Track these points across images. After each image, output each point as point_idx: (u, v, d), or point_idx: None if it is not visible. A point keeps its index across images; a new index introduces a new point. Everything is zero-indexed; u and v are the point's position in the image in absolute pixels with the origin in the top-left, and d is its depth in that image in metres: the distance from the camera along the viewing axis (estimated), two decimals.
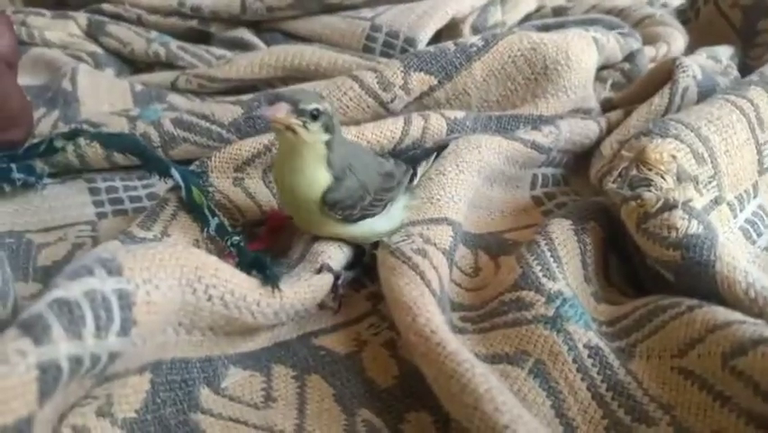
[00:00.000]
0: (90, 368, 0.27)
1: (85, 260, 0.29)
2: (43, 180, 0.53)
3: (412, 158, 0.51)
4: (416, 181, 0.48)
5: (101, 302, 0.27)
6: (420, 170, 0.49)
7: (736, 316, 0.34)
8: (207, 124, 0.56)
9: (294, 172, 0.41)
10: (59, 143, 0.53)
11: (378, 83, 0.56)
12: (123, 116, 0.58)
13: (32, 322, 0.25)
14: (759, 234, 0.47)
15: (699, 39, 0.81)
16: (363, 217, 0.43)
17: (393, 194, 0.45)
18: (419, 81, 0.57)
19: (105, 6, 0.86)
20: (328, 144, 0.41)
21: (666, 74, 0.59)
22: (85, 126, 0.56)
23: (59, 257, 0.47)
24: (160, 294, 0.30)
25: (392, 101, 0.56)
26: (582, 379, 0.36)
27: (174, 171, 0.45)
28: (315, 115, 0.39)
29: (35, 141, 0.54)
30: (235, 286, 0.34)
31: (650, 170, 0.43)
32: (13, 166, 0.52)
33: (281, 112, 0.39)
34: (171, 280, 0.31)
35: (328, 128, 0.40)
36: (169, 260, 0.31)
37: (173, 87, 0.72)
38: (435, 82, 0.57)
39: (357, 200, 0.42)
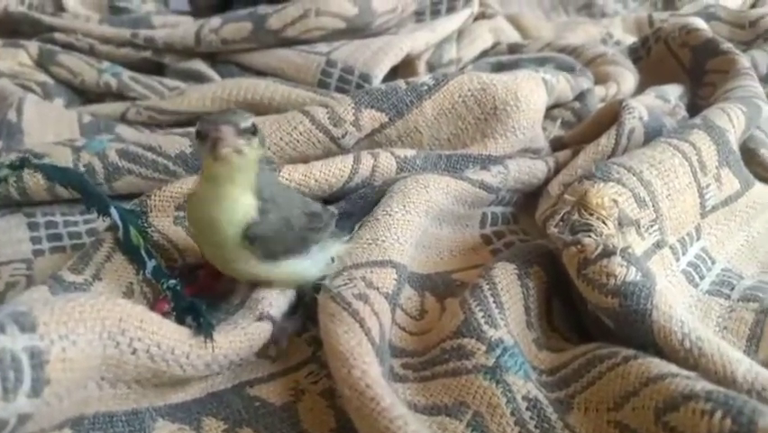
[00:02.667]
0: None
1: None
2: None
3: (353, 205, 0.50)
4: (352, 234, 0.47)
5: (10, 363, 0.26)
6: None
7: (670, 368, 0.34)
8: (153, 156, 0.55)
9: (218, 201, 0.39)
10: (2, 173, 0.51)
11: (329, 118, 0.56)
12: (68, 146, 0.57)
13: None
14: (702, 277, 0.48)
15: (651, 77, 0.83)
16: (286, 256, 0.41)
17: (319, 236, 0.43)
18: (370, 118, 0.57)
19: (58, 35, 0.84)
20: (262, 162, 0.40)
21: (614, 115, 0.60)
22: (28, 156, 0.54)
23: None
24: (78, 350, 0.29)
25: (343, 137, 0.56)
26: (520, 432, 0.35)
27: (113, 210, 0.44)
28: (253, 132, 0.38)
29: None
30: (162, 338, 0.33)
31: (591, 214, 0.43)
32: None
33: (230, 137, 0.37)
34: (91, 334, 0.30)
35: (262, 142, 0.40)
36: (90, 312, 0.30)
37: (123, 119, 0.71)
38: (386, 119, 0.57)
39: (281, 237, 0.40)
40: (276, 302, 0.41)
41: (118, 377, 0.32)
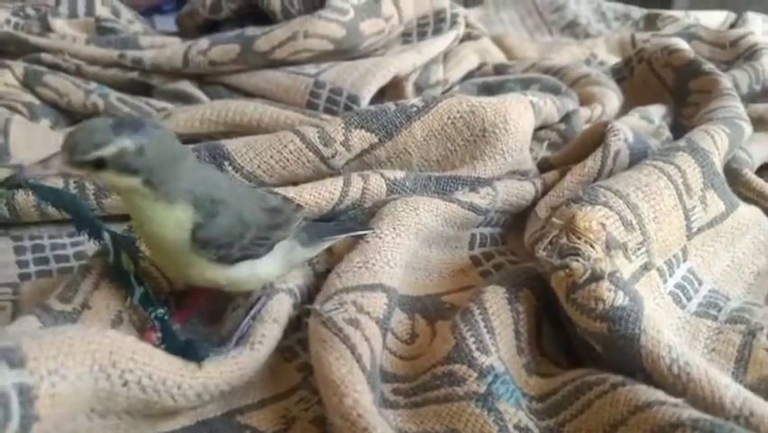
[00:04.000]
0: None
1: None
2: None
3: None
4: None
5: None
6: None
7: (658, 395, 0.34)
8: None
9: (141, 217, 0.37)
10: None
11: (319, 138, 0.56)
12: None
13: None
14: (689, 299, 0.48)
15: (634, 97, 0.85)
16: (243, 258, 0.39)
17: (283, 233, 0.42)
18: (360, 138, 0.57)
19: (44, 56, 0.84)
20: (148, 184, 0.35)
21: (599, 136, 0.61)
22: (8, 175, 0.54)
23: None
24: (68, 384, 0.28)
25: (333, 156, 0.56)
26: None
27: (105, 234, 0.43)
28: (98, 165, 0.34)
29: None
30: (154, 369, 0.32)
31: (579, 238, 0.43)
32: None
33: (53, 168, 0.34)
34: (81, 367, 0.29)
35: (134, 171, 0.35)
36: (80, 345, 0.30)
37: None
38: (376, 140, 0.57)
39: (235, 238, 0.38)
40: (269, 332, 0.41)
41: (108, 409, 0.32)
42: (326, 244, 0.48)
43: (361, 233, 0.49)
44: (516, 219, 0.59)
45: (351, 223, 0.53)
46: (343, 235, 0.49)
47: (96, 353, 0.30)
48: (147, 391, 0.32)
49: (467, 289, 0.51)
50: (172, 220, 0.36)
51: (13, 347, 0.27)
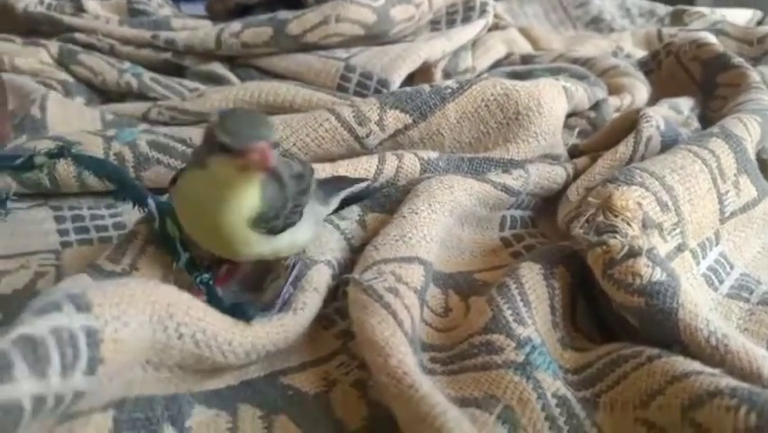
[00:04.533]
0: (53, 408, 0.26)
1: (53, 295, 0.28)
2: (7, 206, 0.52)
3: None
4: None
5: (68, 340, 0.27)
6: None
7: (695, 366, 0.35)
8: (183, 148, 0.56)
9: (225, 200, 0.38)
10: (40, 160, 0.52)
11: (354, 117, 0.57)
12: (99, 136, 0.58)
13: None
14: (721, 282, 0.49)
15: (662, 90, 0.85)
16: (286, 228, 0.40)
17: (307, 197, 0.43)
18: (394, 118, 0.58)
19: (78, 36, 0.85)
20: None
21: (630, 123, 0.61)
22: (66, 145, 0.55)
23: (19, 286, 0.46)
24: (129, 331, 0.29)
25: (367, 136, 0.57)
26: (550, 428, 0.36)
27: (150, 201, 0.44)
28: (277, 145, 0.37)
29: (9, 153, 0.53)
30: (207, 325, 0.33)
31: (616, 216, 0.44)
32: None
33: (273, 156, 0.35)
34: (142, 316, 0.30)
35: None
36: (141, 296, 0.31)
37: (145, 119, 0.72)
38: (410, 121, 0.58)
39: (279, 210, 0.39)
40: (310, 300, 0.42)
41: (162, 361, 0.33)
42: (340, 198, 0.50)
43: (365, 184, 0.52)
44: (546, 203, 0.60)
45: (354, 179, 0.53)
46: (351, 188, 0.51)
47: (156, 304, 0.31)
48: (200, 346, 0.33)
49: (498, 268, 0.52)
50: (246, 206, 0.38)
51: (78, 294, 0.28)
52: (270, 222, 0.39)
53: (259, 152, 0.35)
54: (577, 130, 0.68)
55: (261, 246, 0.40)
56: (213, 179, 0.37)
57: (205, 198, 0.38)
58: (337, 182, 0.51)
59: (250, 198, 0.38)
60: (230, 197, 0.38)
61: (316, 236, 0.45)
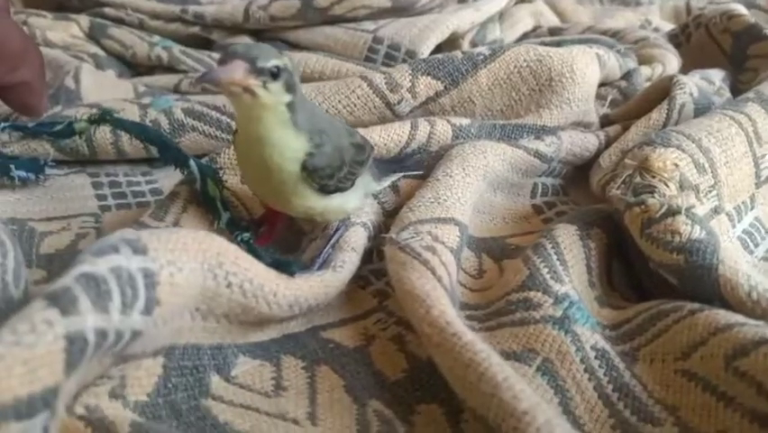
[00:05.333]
0: (113, 344, 0.27)
1: (109, 239, 0.29)
2: (45, 172, 0.54)
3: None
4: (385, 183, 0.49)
5: (127, 279, 0.27)
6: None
7: (738, 318, 0.35)
8: (218, 115, 0.56)
9: (261, 142, 0.37)
10: (80, 126, 0.53)
11: (386, 84, 0.57)
12: (135, 103, 0.59)
13: (59, 294, 0.25)
14: (756, 245, 0.48)
15: (691, 63, 0.84)
16: (336, 190, 0.41)
17: (362, 169, 0.43)
18: (426, 85, 0.58)
19: (107, 10, 0.86)
20: (290, 106, 0.37)
21: (663, 91, 0.61)
22: (108, 110, 0.56)
23: (62, 246, 0.47)
24: (183, 276, 0.30)
25: (399, 103, 0.57)
26: (589, 379, 0.36)
27: (192, 163, 0.45)
28: (274, 74, 0.35)
29: (48, 120, 0.54)
30: (254, 275, 0.34)
31: (653, 177, 0.44)
32: (12, 166, 0.52)
33: (238, 73, 0.34)
34: (194, 263, 0.31)
35: (290, 87, 0.36)
36: (192, 243, 0.31)
37: (176, 90, 0.73)
38: (442, 87, 0.58)
39: (335, 170, 0.39)
40: (349, 258, 0.42)
41: (211, 310, 0.34)
42: (392, 179, 0.50)
43: (416, 173, 0.52)
44: (577, 172, 0.60)
45: (411, 163, 0.54)
46: (403, 173, 0.52)
47: (207, 252, 0.32)
48: (247, 295, 0.34)
49: (531, 234, 0.52)
50: (293, 147, 0.38)
51: (134, 238, 0.29)
52: (323, 179, 0.39)
53: (223, 63, 0.34)
54: (609, 99, 0.68)
55: (313, 202, 0.40)
56: (239, 120, 0.38)
57: (253, 146, 0.38)
58: (393, 164, 0.52)
59: (291, 141, 0.37)
60: (263, 137, 0.37)
61: (362, 206, 0.46)
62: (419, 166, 0.52)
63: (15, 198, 0.52)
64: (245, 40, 0.82)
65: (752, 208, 0.50)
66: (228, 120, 0.56)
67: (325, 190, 0.40)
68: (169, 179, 0.54)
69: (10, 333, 0.24)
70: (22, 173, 0.52)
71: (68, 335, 0.25)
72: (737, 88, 0.78)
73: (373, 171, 0.47)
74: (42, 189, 0.54)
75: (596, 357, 0.37)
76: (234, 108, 0.38)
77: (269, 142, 0.37)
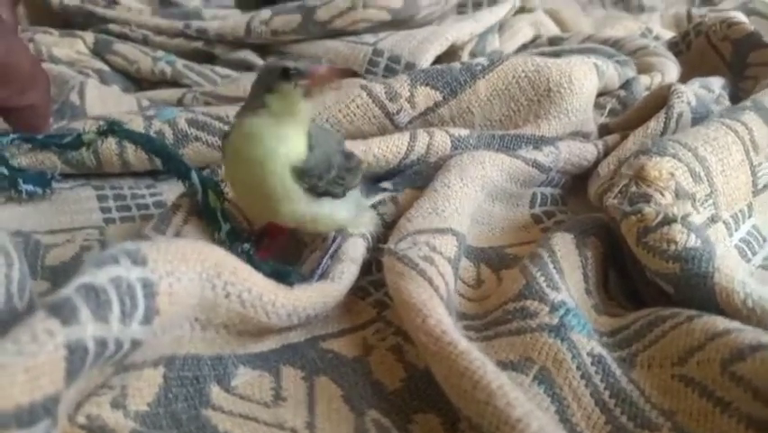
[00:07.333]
0: (113, 353, 0.28)
1: (110, 250, 0.30)
2: (52, 185, 0.54)
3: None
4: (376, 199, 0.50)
5: (126, 289, 0.28)
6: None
7: (735, 324, 0.35)
8: (220, 125, 0.57)
9: (277, 137, 0.39)
10: (88, 137, 0.54)
11: (385, 93, 0.58)
12: (140, 115, 0.60)
13: (60, 304, 0.26)
14: (754, 253, 0.49)
15: (691, 71, 0.84)
16: (326, 194, 0.42)
17: (352, 179, 0.44)
18: (425, 96, 0.59)
19: (112, 26, 0.87)
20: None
21: (661, 100, 0.61)
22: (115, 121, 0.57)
23: (66, 258, 0.48)
24: (182, 286, 0.31)
25: (398, 112, 0.58)
26: (586, 386, 0.36)
27: (193, 174, 0.46)
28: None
29: (56, 132, 0.55)
30: (252, 285, 0.35)
31: (649, 186, 0.44)
32: (20, 180, 0.53)
33: (338, 74, 0.39)
34: (192, 273, 0.32)
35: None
36: (191, 254, 0.32)
37: (180, 104, 0.74)
38: (440, 98, 0.59)
39: (323, 171, 0.41)
40: (347, 269, 0.43)
41: (209, 320, 0.34)
42: (380, 197, 0.51)
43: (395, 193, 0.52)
44: (576, 182, 0.60)
45: (399, 180, 0.55)
46: (389, 193, 0.52)
47: (205, 262, 0.32)
48: (245, 305, 0.34)
49: (529, 243, 0.53)
50: (296, 145, 0.40)
51: (134, 249, 0.30)
52: (312, 179, 0.40)
53: (326, 69, 0.38)
54: (608, 108, 0.68)
55: (301, 206, 0.41)
56: (264, 122, 0.39)
57: (253, 143, 0.39)
58: (379, 184, 0.53)
59: (297, 143, 0.40)
60: (280, 138, 0.39)
61: (356, 219, 0.46)
62: (407, 183, 0.53)
63: (22, 211, 0.53)
64: (248, 53, 0.83)
65: (749, 216, 0.50)
66: None
67: (314, 192, 0.41)
68: (172, 191, 0.55)
69: (12, 342, 0.25)
70: (30, 187, 0.53)
71: (69, 344, 0.25)
72: (738, 96, 0.78)
73: (362, 188, 0.48)
74: (48, 202, 0.55)
75: (592, 363, 0.37)
76: (277, 109, 0.39)
77: (283, 139, 0.39)
